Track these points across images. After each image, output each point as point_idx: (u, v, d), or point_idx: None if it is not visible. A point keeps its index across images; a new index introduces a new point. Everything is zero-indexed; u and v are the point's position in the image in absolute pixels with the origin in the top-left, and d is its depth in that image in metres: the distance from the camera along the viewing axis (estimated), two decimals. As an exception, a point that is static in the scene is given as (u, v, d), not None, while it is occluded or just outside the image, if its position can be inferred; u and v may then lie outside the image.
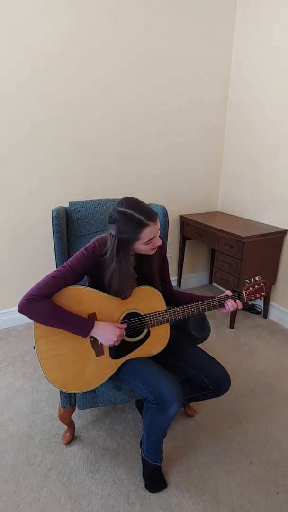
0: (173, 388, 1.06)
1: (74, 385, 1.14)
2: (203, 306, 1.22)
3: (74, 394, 1.31)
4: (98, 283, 1.15)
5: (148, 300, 1.18)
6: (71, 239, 1.57)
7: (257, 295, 1.28)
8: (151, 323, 1.18)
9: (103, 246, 1.11)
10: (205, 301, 1.22)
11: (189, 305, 1.20)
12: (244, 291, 1.26)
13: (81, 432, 1.50)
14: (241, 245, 2.07)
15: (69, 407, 1.33)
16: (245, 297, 1.26)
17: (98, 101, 2.11)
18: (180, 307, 1.20)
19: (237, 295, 1.25)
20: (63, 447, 1.42)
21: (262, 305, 2.51)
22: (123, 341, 1.16)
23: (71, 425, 1.44)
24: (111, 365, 1.16)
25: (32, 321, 1.08)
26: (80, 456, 1.38)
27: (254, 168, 2.42)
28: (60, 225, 1.42)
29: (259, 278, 1.28)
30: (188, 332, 1.40)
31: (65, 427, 1.48)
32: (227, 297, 1.24)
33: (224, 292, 1.28)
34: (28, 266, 2.27)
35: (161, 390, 1.06)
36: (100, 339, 1.09)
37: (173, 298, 1.35)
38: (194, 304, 1.21)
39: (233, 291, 1.26)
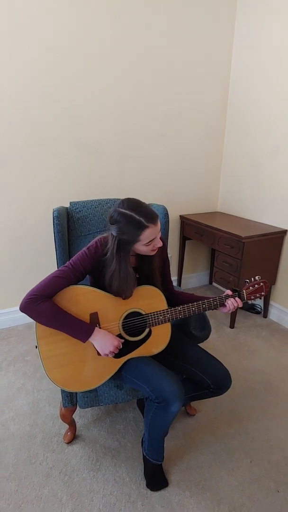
0: (174, 386, 1.07)
1: (76, 385, 1.14)
2: (204, 306, 1.22)
3: (76, 393, 1.32)
4: (99, 283, 1.15)
5: (149, 299, 1.19)
6: (72, 239, 1.57)
7: (257, 295, 1.29)
8: (152, 322, 1.18)
9: (104, 246, 1.12)
10: (205, 301, 1.23)
11: (190, 304, 1.21)
12: (244, 291, 1.27)
13: (82, 431, 1.50)
14: (241, 245, 2.08)
15: (71, 406, 1.33)
16: (245, 296, 1.27)
17: (98, 101, 2.11)
18: (181, 306, 1.20)
19: (237, 295, 1.26)
20: (64, 446, 1.42)
21: (262, 305, 2.52)
22: (124, 340, 1.17)
23: (72, 424, 1.45)
24: (112, 364, 1.17)
25: (33, 321, 1.09)
26: (82, 455, 1.39)
27: (254, 168, 2.42)
28: (61, 225, 1.42)
29: (258, 277, 1.29)
30: (189, 332, 1.40)
31: (66, 426, 1.48)
32: (227, 296, 1.24)
33: (224, 292, 1.28)
34: (28, 266, 2.27)
35: (163, 388, 1.06)
36: (97, 346, 1.10)
37: (174, 298, 1.35)
38: (195, 303, 1.21)
39: (233, 291, 1.27)
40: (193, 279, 2.98)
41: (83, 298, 1.12)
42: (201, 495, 1.23)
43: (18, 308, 1.10)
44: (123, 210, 1.04)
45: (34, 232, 2.22)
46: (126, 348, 1.17)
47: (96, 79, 2.07)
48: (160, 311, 1.19)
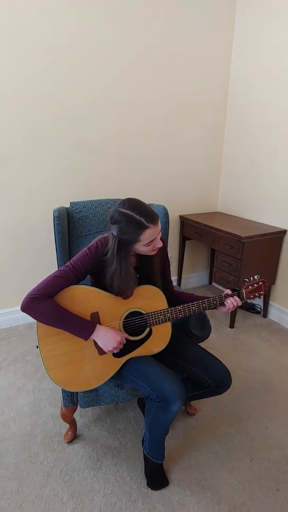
0: (175, 386, 1.07)
1: (77, 384, 1.15)
2: (203, 305, 1.23)
3: (76, 393, 1.32)
4: (100, 283, 1.16)
5: (150, 299, 1.19)
6: (72, 239, 1.57)
7: (256, 294, 1.29)
8: (153, 321, 1.19)
9: (105, 246, 1.12)
10: (205, 300, 1.24)
11: (190, 303, 1.21)
12: (243, 290, 1.28)
13: (83, 430, 1.50)
14: (241, 245, 2.08)
15: (71, 405, 1.34)
16: (244, 295, 1.27)
17: (98, 101, 2.12)
18: (181, 305, 1.21)
19: (236, 294, 1.27)
20: (65, 446, 1.43)
21: (261, 305, 2.52)
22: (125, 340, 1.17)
23: (73, 423, 1.45)
24: (113, 364, 1.17)
25: (34, 321, 1.09)
26: (82, 454, 1.39)
27: (254, 168, 2.43)
28: (61, 225, 1.43)
29: (258, 277, 1.30)
30: (189, 331, 1.41)
31: (67, 425, 1.49)
32: (227, 295, 1.25)
33: (223, 291, 1.29)
34: (28, 266, 2.28)
35: (164, 388, 1.07)
36: (100, 343, 1.09)
37: (174, 298, 1.35)
38: (195, 302, 1.22)
39: (233, 290, 1.28)
40: (193, 279, 2.98)
41: (83, 298, 1.12)
42: (201, 494, 1.24)
43: (18, 308, 1.11)
44: (124, 210, 1.04)
45: (34, 232, 2.22)
46: (126, 347, 1.18)
47: (96, 79, 2.07)
48: (160, 310, 1.19)
